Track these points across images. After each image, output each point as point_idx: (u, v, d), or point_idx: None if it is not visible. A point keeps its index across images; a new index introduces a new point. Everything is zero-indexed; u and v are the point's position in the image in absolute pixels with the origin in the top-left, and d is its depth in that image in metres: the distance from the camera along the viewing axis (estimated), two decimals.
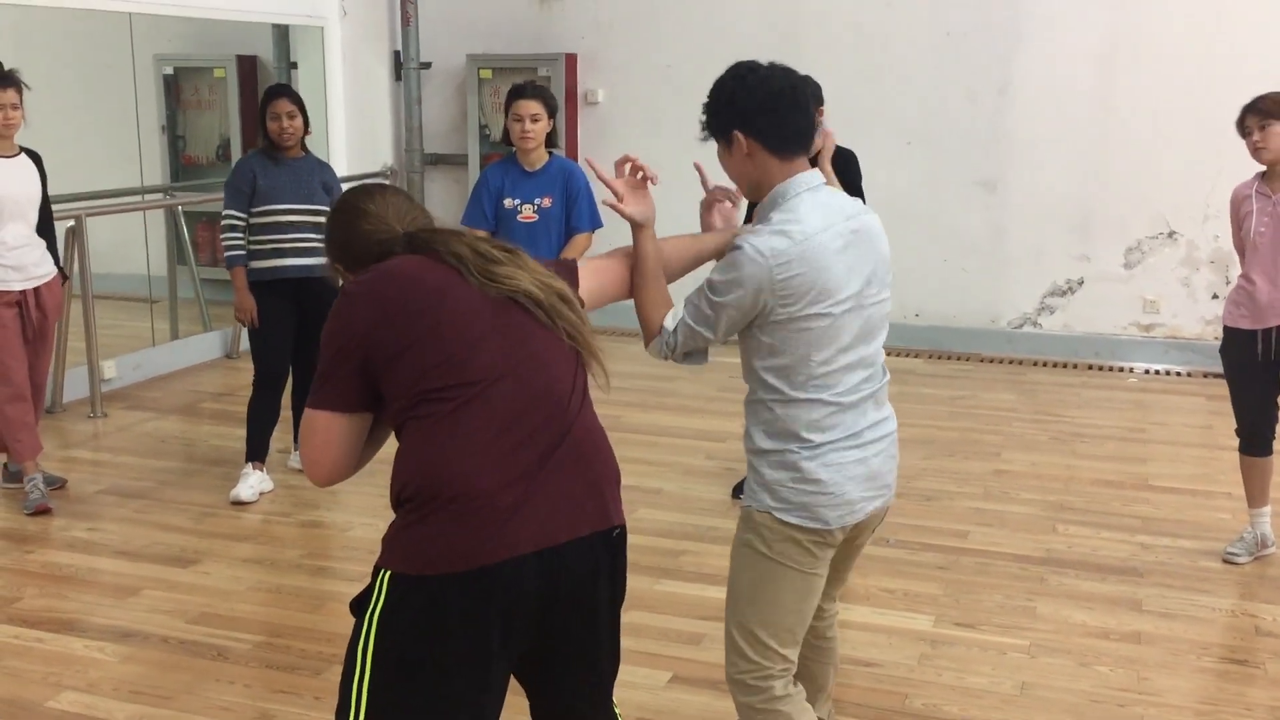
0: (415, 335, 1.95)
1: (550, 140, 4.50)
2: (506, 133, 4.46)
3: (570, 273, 2.27)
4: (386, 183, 2.23)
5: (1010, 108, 7.15)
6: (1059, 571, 4.15)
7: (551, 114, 4.45)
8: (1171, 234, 7.02)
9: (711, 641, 3.52)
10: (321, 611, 3.82)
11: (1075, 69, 6.99)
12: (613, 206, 2.39)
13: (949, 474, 5.17)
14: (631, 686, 3.30)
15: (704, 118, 2.40)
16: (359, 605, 1.96)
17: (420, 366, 1.94)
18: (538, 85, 4.56)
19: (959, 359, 7.29)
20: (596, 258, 2.43)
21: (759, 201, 2.40)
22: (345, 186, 5.26)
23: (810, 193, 2.33)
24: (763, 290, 2.25)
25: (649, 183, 2.43)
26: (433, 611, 1.88)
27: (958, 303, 7.44)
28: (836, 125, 4.55)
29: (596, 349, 2.10)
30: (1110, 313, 7.20)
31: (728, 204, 2.60)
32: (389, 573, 1.92)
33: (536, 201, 4.45)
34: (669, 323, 2.38)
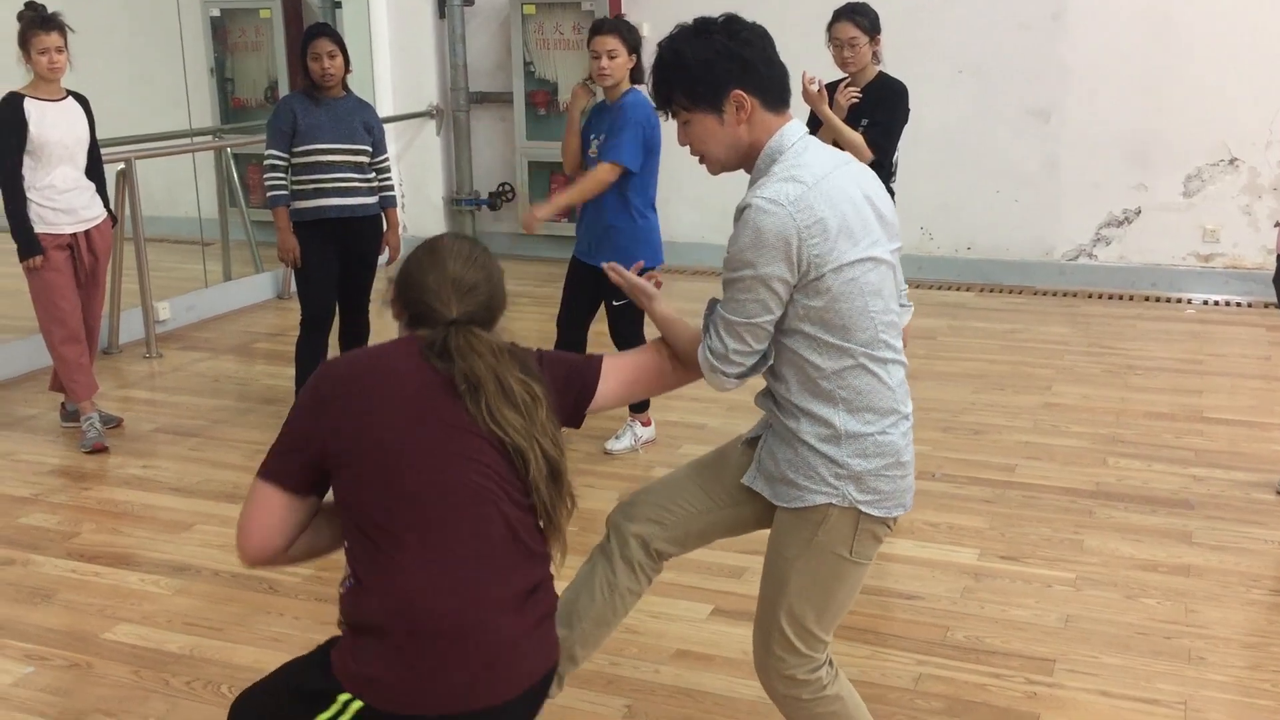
0: (366, 447, 1.86)
1: (636, 76, 4.42)
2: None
3: (593, 373, 2.17)
4: (479, 244, 2.10)
5: (1064, 34, 6.96)
6: (1108, 504, 4.10)
7: (632, 49, 4.34)
8: (1233, 161, 6.83)
9: (753, 575, 3.52)
10: None
11: None
12: (646, 304, 2.34)
13: (998, 408, 5.11)
14: (672, 619, 3.32)
15: (677, 88, 2.15)
16: (306, 699, 1.86)
17: (378, 491, 1.86)
18: (617, 20, 4.43)
19: (1011, 292, 7.18)
20: (627, 353, 2.33)
21: (742, 168, 2.22)
22: (389, 127, 5.30)
23: (803, 140, 2.16)
24: (790, 243, 2.02)
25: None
26: None
27: (1010, 235, 7.30)
28: (886, 55, 4.46)
29: (564, 532, 1.99)
30: (1168, 243, 7.04)
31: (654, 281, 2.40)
32: (358, 704, 1.81)
33: (603, 138, 4.41)
34: (706, 344, 2.17)
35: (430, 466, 1.87)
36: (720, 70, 2.11)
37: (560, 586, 2.10)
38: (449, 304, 1.98)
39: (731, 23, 2.15)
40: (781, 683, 2.28)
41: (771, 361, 2.18)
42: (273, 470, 1.93)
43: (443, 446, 1.88)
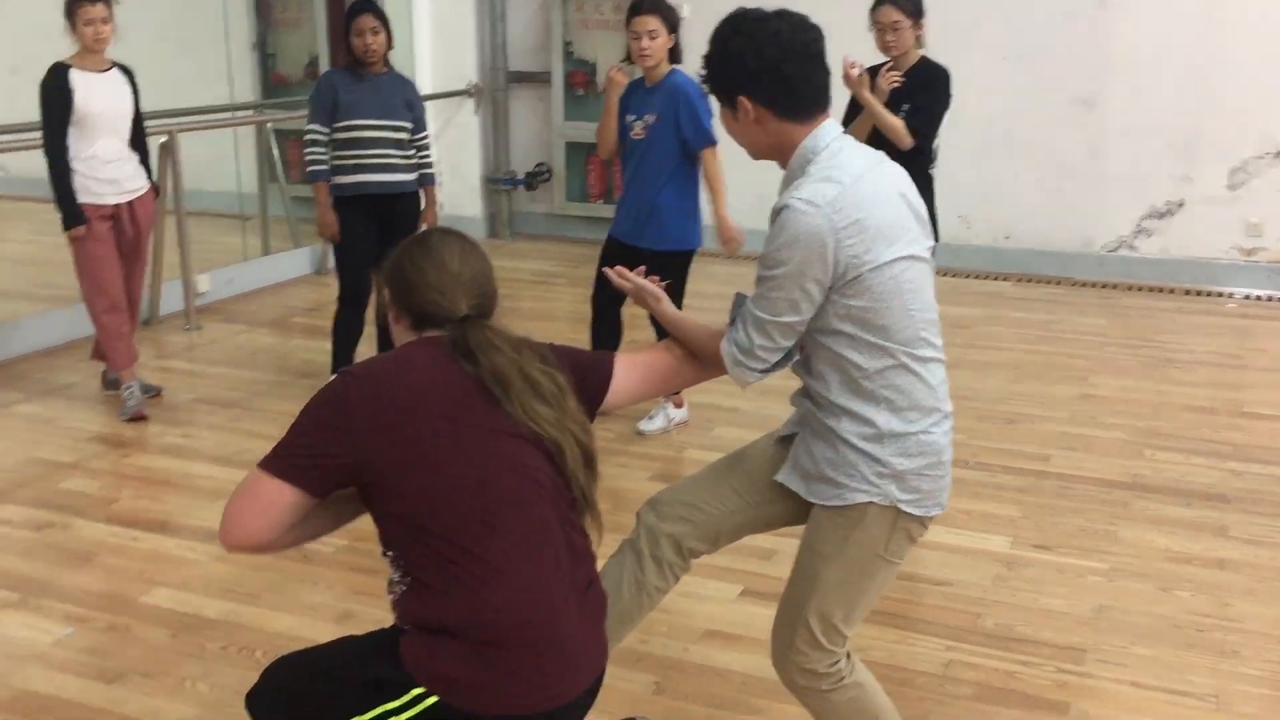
0: (409, 462, 1.83)
1: (675, 56, 4.42)
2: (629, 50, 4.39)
3: (605, 372, 2.15)
4: (467, 237, 2.06)
5: (1111, 22, 6.87)
6: (1144, 496, 4.07)
7: (672, 29, 4.35)
8: (1279, 154, 6.73)
9: (783, 557, 3.52)
10: None
11: None
12: (653, 306, 2.36)
13: (1034, 398, 5.08)
14: (703, 599, 3.33)
15: (708, 78, 2.16)
16: (372, 686, 1.85)
17: (428, 502, 1.83)
18: (656, 0, 4.43)
19: (1050, 283, 7.12)
20: (638, 353, 2.30)
21: (777, 161, 2.19)
22: (427, 105, 5.31)
23: (839, 140, 2.13)
24: (827, 244, 2.00)
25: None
26: None
27: (1050, 225, 7.24)
28: (929, 39, 4.43)
29: (599, 515, 1.99)
30: (1211, 236, 6.95)
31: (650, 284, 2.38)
32: (434, 699, 1.81)
33: (646, 118, 4.40)
34: (731, 337, 2.15)
35: (478, 476, 1.84)
36: (730, 73, 2.11)
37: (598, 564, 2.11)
38: (457, 301, 1.95)
39: (757, 27, 2.08)
40: (802, 675, 2.27)
41: (796, 358, 2.17)
42: (285, 470, 1.84)
43: (487, 453, 1.86)
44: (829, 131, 2.12)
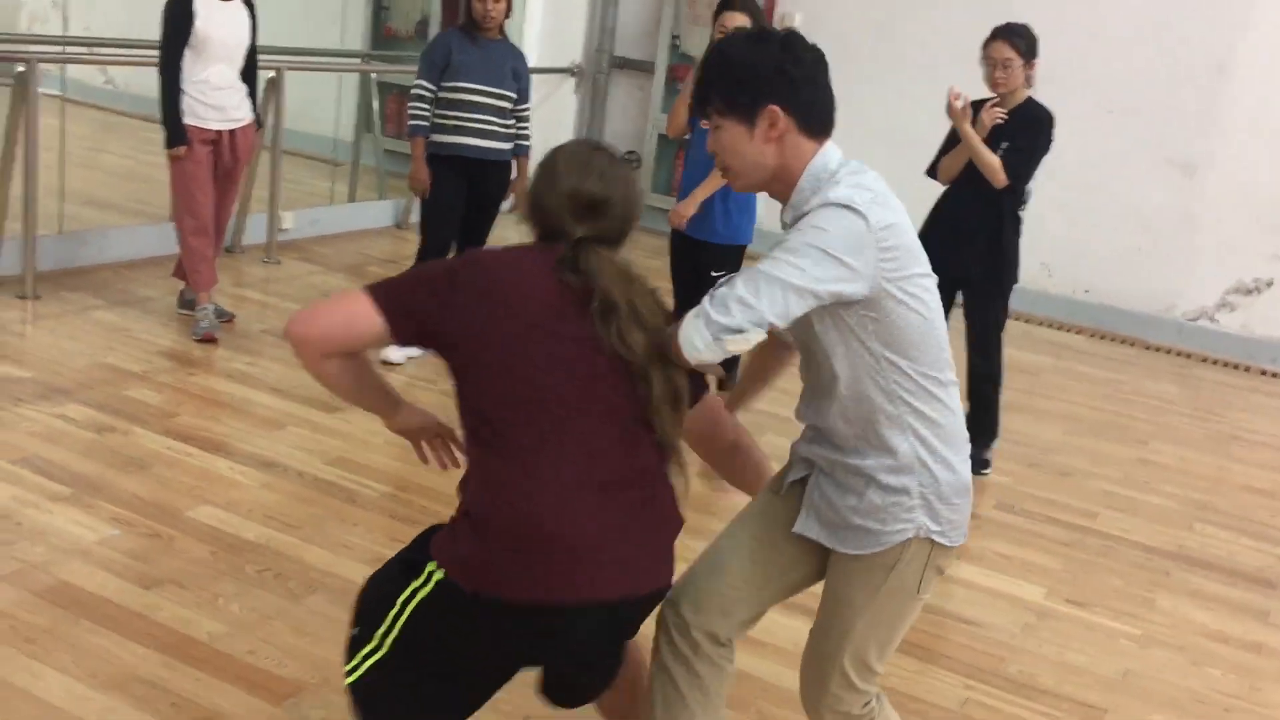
0: (483, 349, 1.91)
1: None
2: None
3: (698, 384, 2.12)
4: (621, 160, 2.07)
5: (1225, 88, 6.76)
6: (1187, 568, 4.02)
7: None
8: None
9: None
10: (448, 475, 3.96)
11: None
12: None
13: (1089, 453, 5.03)
14: None
15: (717, 90, 2.03)
16: (406, 567, 1.98)
17: (492, 388, 1.91)
18: None
19: (1124, 342, 7.02)
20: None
21: (766, 191, 2.09)
22: (532, 79, 5.36)
23: (854, 161, 2.04)
24: (866, 246, 1.90)
25: None
26: (469, 624, 1.91)
27: (1131, 285, 7.14)
28: (1037, 82, 4.39)
29: (683, 460, 2.02)
30: None
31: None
32: (442, 572, 1.91)
33: None
34: (708, 295, 1.95)
35: (550, 374, 1.90)
36: (763, 82, 1.99)
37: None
38: (570, 224, 1.98)
39: (790, 38, 2.04)
40: (835, 717, 2.20)
41: (752, 346, 1.97)
42: (384, 300, 1.92)
43: (565, 357, 1.92)
44: (835, 152, 2.05)
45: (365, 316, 1.93)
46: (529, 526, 1.87)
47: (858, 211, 1.91)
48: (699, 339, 1.91)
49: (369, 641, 1.98)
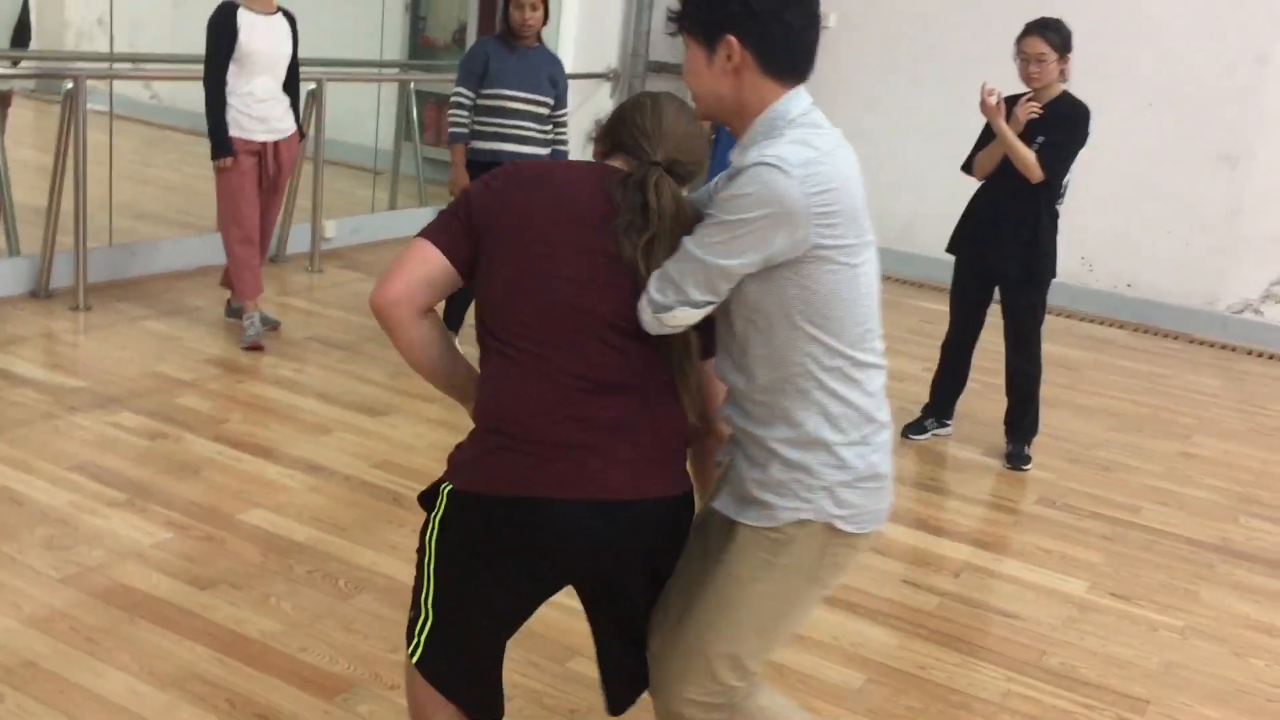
0: (507, 251, 1.93)
1: None
2: None
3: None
4: (690, 109, 2.05)
5: (1268, 80, 6.70)
6: (1231, 561, 4.00)
7: None
8: None
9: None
10: None
11: None
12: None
13: (1132, 448, 5.00)
14: None
15: (686, 8, 1.93)
16: (427, 500, 2.03)
17: (510, 285, 1.93)
18: None
19: (1167, 336, 6.97)
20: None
21: (727, 125, 1.97)
22: (571, 85, 5.42)
23: (815, 112, 1.92)
24: (796, 211, 1.77)
25: None
26: (484, 528, 1.94)
27: (1175, 279, 7.09)
28: (1076, 76, 4.39)
29: (692, 391, 1.99)
30: None
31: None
32: (449, 486, 1.96)
33: None
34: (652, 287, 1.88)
35: (572, 286, 1.91)
36: (721, 6, 1.87)
37: None
38: (656, 147, 1.97)
39: None
40: (693, 709, 2.04)
41: (695, 321, 1.90)
42: (432, 230, 1.98)
43: (591, 271, 1.92)
44: (803, 99, 1.92)
45: (430, 252, 1.95)
46: (511, 423, 1.91)
47: (787, 173, 1.77)
48: (646, 313, 1.89)
49: (419, 615, 2.03)
